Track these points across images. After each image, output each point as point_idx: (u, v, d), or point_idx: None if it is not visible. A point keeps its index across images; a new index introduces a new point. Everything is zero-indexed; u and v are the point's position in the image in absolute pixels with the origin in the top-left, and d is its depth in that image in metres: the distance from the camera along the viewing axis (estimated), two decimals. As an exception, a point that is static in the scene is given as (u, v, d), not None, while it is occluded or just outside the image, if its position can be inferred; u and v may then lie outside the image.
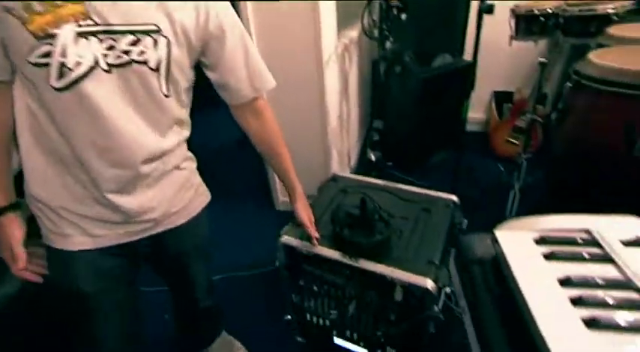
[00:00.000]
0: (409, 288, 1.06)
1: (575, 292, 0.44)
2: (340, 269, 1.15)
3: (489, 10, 1.45)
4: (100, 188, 0.70)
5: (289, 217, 1.21)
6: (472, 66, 1.83)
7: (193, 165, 0.93)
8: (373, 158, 2.32)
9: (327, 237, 1.17)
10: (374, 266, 1.09)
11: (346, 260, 1.12)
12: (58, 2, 0.57)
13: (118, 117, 0.65)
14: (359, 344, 1.28)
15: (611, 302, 0.42)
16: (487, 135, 2.78)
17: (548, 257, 0.50)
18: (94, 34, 0.60)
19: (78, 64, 0.59)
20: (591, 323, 0.40)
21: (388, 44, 1.80)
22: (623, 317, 0.40)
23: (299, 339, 1.43)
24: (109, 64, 0.62)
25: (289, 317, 1.37)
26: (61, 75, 0.59)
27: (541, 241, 0.52)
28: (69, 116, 0.63)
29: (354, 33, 2.24)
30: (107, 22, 0.60)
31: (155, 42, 0.64)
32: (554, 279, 0.46)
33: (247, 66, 0.83)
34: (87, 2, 0.58)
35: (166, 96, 0.70)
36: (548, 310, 0.42)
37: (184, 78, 0.73)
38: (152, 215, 0.80)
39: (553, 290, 0.45)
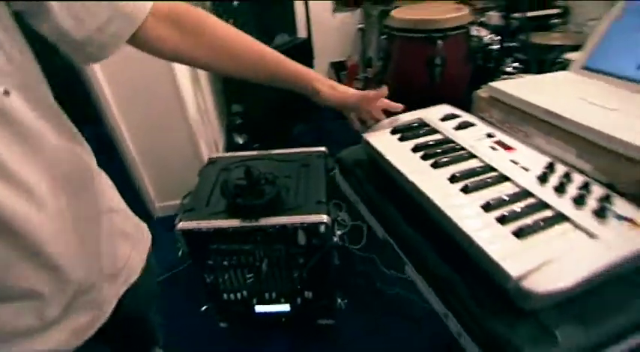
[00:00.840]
0: (309, 228, 1.20)
1: (422, 152, 0.63)
2: (244, 236, 1.22)
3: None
4: None
5: (170, 222, 1.17)
6: (307, 41, 2.05)
7: None
8: (240, 141, 2.39)
9: (222, 212, 1.22)
10: (273, 220, 1.19)
11: (247, 223, 1.19)
12: None
13: None
14: (280, 302, 1.38)
15: (445, 157, 0.62)
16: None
17: (401, 139, 0.68)
18: None
19: None
20: (436, 166, 0.60)
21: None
22: (458, 166, 0.61)
23: (222, 325, 1.45)
24: None
25: (206, 306, 1.37)
26: None
27: (393, 132, 0.71)
28: None
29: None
30: None
31: None
32: (409, 150, 0.64)
33: None
34: None
35: (6, 93, 0.40)
36: (414, 167, 0.60)
37: (13, 45, 0.42)
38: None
39: (411, 156, 0.63)
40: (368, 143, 0.70)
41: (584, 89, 0.75)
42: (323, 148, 1.55)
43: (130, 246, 0.64)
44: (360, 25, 1.94)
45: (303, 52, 2.53)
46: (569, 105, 0.65)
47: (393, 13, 1.56)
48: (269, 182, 1.29)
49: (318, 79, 0.70)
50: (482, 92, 0.76)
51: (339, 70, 3.16)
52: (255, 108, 2.65)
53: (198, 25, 0.58)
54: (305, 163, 1.49)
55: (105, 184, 0.61)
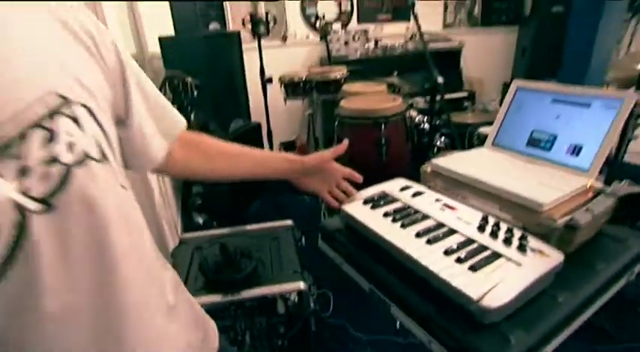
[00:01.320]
0: (287, 297, 1.30)
1: (391, 217, 0.82)
2: (225, 309, 1.28)
3: (270, 80, 1.96)
4: None
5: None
6: (259, 125, 2.30)
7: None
8: (201, 221, 2.46)
9: (202, 288, 1.29)
10: (254, 291, 1.28)
11: (229, 297, 1.27)
12: None
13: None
14: (263, 372, 1.39)
15: (409, 219, 0.82)
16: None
17: (372, 208, 0.87)
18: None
19: None
20: (404, 226, 0.78)
21: (192, 117, 2.07)
22: (420, 225, 0.80)
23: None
24: (41, 200, 0.37)
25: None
26: None
27: (365, 202, 0.90)
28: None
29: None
30: None
31: (76, 121, 0.41)
32: (381, 216, 0.83)
33: (160, 108, 0.64)
34: None
35: (124, 187, 0.48)
36: (388, 229, 0.78)
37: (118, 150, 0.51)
38: None
39: (383, 221, 0.81)
40: (347, 213, 0.87)
41: (496, 161, 1.02)
42: (289, 221, 1.70)
43: None
44: (309, 112, 2.26)
45: (256, 134, 2.79)
46: (488, 173, 0.90)
47: (342, 103, 1.88)
48: (245, 256, 1.40)
49: (291, 157, 0.85)
50: (426, 167, 1.00)
51: (289, 149, 3.44)
52: (214, 187, 2.77)
53: (203, 146, 0.76)
54: (274, 236, 1.63)
55: None
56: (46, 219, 0.37)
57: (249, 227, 1.68)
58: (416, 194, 0.92)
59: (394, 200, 0.90)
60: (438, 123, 2.22)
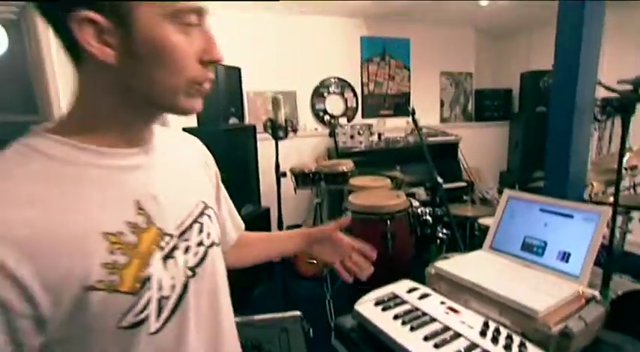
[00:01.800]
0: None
1: (400, 320, 0.90)
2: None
3: (284, 174, 2.15)
4: None
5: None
6: (268, 210, 2.44)
7: None
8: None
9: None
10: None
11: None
12: (133, 239, 0.49)
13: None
14: None
15: (416, 322, 0.90)
16: (292, 263, 3.40)
17: (383, 310, 0.95)
18: (175, 247, 0.56)
19: (173, 287, 0.54)
20: (413, 329, 0.86)
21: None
22: (428, 328, 0.88)
23: None
24: (192, 268, 0.58)
25: None
26: (159, 313, 0.51)
27: (376, 304, 0.98)
28: None
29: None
30: (179, 226, 0.57)
31: (210, 218, 0.64)
32: (391, 318, 0.91)
33: (231, 207, 0.86)
34: (155, 220, 0.53)
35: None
36: (399, 332, 0.85)
37: None
38: None
39: (394, 323, 0.89)
40: (360, 314, 0.96)
41: (493, 264, 1.12)
42: (298, 312, 1.74)
43: None
44: (317, 200, 2.43)
45: (265, 219, 2.92)
46: (487, 278, 1.00)
47: (351, 198, 2.05)
48: (256, 348, 1.43)
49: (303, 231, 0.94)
50: (430, 270, 1.10)
51: (296, 232, 3.54)
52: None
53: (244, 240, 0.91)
54: (283, 327, 1.65)
55: None
56: (194, 284, 0.58)
57: (257, 317, 1.71)
58: (422, 296, 1.00)
59: (403, 302, 0.99)
60: (439, 214, 2.35)
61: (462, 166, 4.02)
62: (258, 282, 3.02)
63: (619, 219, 2.39)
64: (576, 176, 1.33)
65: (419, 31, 4.38)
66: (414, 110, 2.04)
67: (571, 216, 1.12)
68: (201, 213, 0.63)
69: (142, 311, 0.49)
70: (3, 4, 1.55)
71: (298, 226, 3.58)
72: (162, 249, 0.53)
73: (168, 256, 0.54)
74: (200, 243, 0.61)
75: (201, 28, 0.51)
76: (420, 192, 2.61)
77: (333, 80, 4.07)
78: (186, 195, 0.62)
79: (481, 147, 4.78)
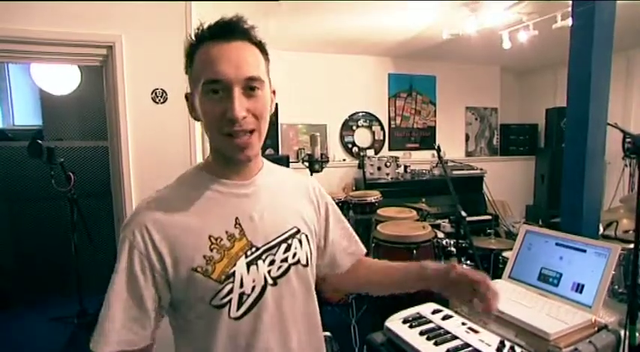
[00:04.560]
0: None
1: (426, 336, 1.03)
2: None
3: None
4: None
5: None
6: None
7: None
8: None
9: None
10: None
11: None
12: (228, 244, 0.68)
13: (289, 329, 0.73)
14: None
15: (440, 339, 1.02)
16: (318, 290, 3.51)
17: (410, 327, 1.08)
18: (259, 257, 0.70)
19: (253, 288, 0.69)
20: (437, 344, 0.99)
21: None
22: (450, 344, 1.01)
23: None
24: (273, 278, 0.71)
25: None
26: (240, 304, 0.68)
27: (404, 322, 1.11)
28: (242, 345, 0.69)
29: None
30: (266, 243, 0.72)
31: (300, 242, 0.76)
32: (417, 334, 1.04)
33: (347, 236, 0.94)
34: (247, 234, 0.70)
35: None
36: (422, 346, 0.99)
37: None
38: None
39: (420, 339, 1.02)
40: (390, 329, 1.09)
41: (512, 292, 1.23)
42: (328, 333, 1.86)
43: None
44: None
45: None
46: (505, 304, 1.11)
47: (379, 228, 2.19)
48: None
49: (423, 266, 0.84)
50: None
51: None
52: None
53: (373, 267, 0.96)
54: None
55: None
56: (273, 290, 0.71)
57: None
58: (445, 317, 1.13)
59: (428, 321, 1.12)
60: (463, 246, 2.44)
61: (486, 199, 4.08)
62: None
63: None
64: (590, 213, 1.43)
65: (444, 68, 4.59)
66: (439, 147, 2.19)
67: (584, 251, 1.23)
68: (292, 236, 0.75)
69: (224, 297, 0.66)
70: (90, 56, 1.88)
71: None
72: (247, 256, 0.69)
73: (251, 262, 0.69)
74: (284, 260, 0.73)
75: (226, 94, 0.65)
76: (445, 223, 2.71)
77: (361, 114, 4.30)
78: (280, 219, 0.76)
79: (507, 180, 4.82)
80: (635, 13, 2.76)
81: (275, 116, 3.06)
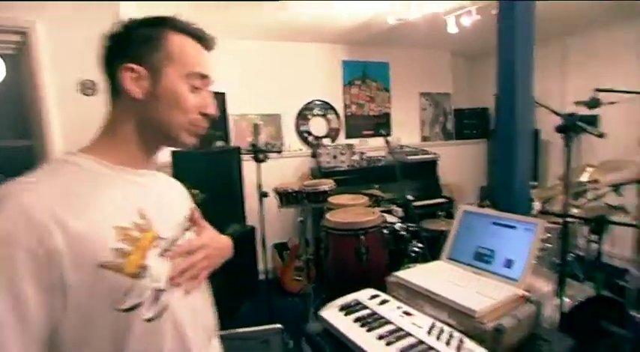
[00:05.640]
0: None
1: (360, 322, 1.01)
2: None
3: (265, 194, 2.26)
4: None
5: None
6: (253, 229, 2.54)
7: None
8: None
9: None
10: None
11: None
12: (137, 235, 0.63)
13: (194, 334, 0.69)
14: None
15: (374, 325, 1.01)
16: (278, 280, 3.48)
17: (346, 314, 1.07)
18: (167, 249, 0.68)
19: (166, 281, 0.65)
20: (370, 330, 0.98)
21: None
22: (382, 329, 1.00)
23: None
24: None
25: None
26: (155, 301, 0.62)
27: (340, 309, 1.10)
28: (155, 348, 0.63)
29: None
30: (169, 234, 0.70)
31: (192, 234, 0.77)
32: (352, 321, 1.02)
33: None
34: (153, 224, 0.66)
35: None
36: (356, 333, 0.97)
37: None
38: None
39: (354, 326, 1.01)
40: (324, 319, 1.07)
41: (448, 273, 1.25)
42: (279, 325, 1.83)
43: None
44: (300, 218, 2.56)
45: (250, 237, 3.01)
46: (439, 285, 1.12)
47: (328, 216, 2.17)
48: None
49: None
50: (390, 278, 1.23)
51: (282, 250, 3.63)
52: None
53: None
54: (264, 339, 1.75)
55: None
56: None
57: (240, 330, 1.80)
58: (382, 302, 1.13)
59: (364, 307, 1.11)
60: (414, 229, 2.48)
61: (440, 184, 4.19)
62: (245, 299, 3.09)
63: (585, 229, 2.55)
64: (521, 190, 1.48)
65: (397, 54, 4.61)
66: (387, 139, 2.20)
67: (515, 227, 1.26)
68: (187, 229, 0.77)
69: (138, 296, 0.59)
70: (2, 41, 1.69)
71: (284, 244, 3.67)
72: (156, 247, 0.65)
73: (162, 254, 0.66)
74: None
75: (204, 90, 0.73)
76: (398, 208, 2.75)
77: (317, 103, 4.25)
78: (176, 211, 0.77)
79: (462, 164, 4.96)
80: (569, 4, 2.88)
81: (222, 106, 2.95)
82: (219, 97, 2.95)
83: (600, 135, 1.53)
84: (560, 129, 1.50)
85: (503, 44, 1.55)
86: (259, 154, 2.10)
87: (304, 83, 4.18)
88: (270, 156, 3.17)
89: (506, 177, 1.48)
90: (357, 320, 1.04)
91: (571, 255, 2.20)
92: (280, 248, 3.70)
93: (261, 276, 3.20)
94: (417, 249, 2.25)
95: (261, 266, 3.60)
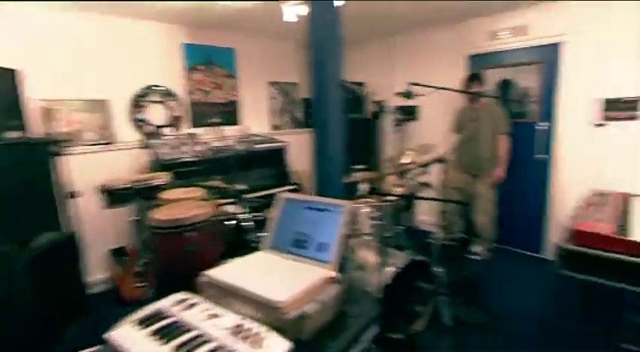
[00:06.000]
0: None
1: (157, 335, 0.89)
2: None
3: (72, 195, 1.89)
4: None
5: None
6: (72, 235, 2.14)
7: None
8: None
9: None
10: None
11: None
12: None
13: None
14: None
15: (173, 335, 0.90)
16: (116, 288, 3.05)
17: (142, 328, 0.93)
18: None
19: None
20: (167, 342, 0.86)
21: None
22: (182, 338, 0.89)
23: None
24: None
25: None
26: None
27: (138, 323, 0.95)
28: None
29: None
30: None
31: None
32: (146, 335, 0.89)
33: None
34: None
35: None
36: (143, 347, 0.84)
37: None
38: None
39: (144, 340, 0.88)
40: (110, 340, 0.91)
41: (265, 263, 1.22)
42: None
43: None
44: (133, 217, 2.24)
45: (69, 246, 2.52)
46: (248, 279, 1.07)
47: (152, 213, 1.93)
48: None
49: None
50: (201, 278, 1.13)
51: (121, 256, 3.19)
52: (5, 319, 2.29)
53: None
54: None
55: None
56: None
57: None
58: (189, 306, 1.02)
59: (167, 316, 0.98)
60: (260, 218, 2.45)
61: (289, 170, 4.29)
62: (71, 321, 2.59)
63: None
64: (334, 174, 1.58)
65: (243, 41, 4.48)
66: (235, 122, 2.06)
67: (327, 210, 1.31)
68: None
69: None
70: None
71: (121, 250, 3.23)
72: None
73: None
74: None
75: None
76: (246, 197, 2.66)
77: (154, 88, 3.82)
78: None
79: (310, 151, 5.19)
80: (390, 9, 3.23)
81: (12, 87, 2.34)
82: (7, 75, 2.33)
83: (402, 120, 1.75)
84: (373, 116, 1.64)
85: (314, 39, 1.61)
86: (49, 146, 1.71)
87: (137, 66, 3.68)
88: (98, 150, 2.70)
89: (322, 164, 1.55)
90: (155, 332, 0.91)
91: (399, 228, 2.49)
92: (118, 253, 3.24)
93: (99, 288, 2.77)
94: (256, 239, 2.21)
95: (99, 277, 3.13)
